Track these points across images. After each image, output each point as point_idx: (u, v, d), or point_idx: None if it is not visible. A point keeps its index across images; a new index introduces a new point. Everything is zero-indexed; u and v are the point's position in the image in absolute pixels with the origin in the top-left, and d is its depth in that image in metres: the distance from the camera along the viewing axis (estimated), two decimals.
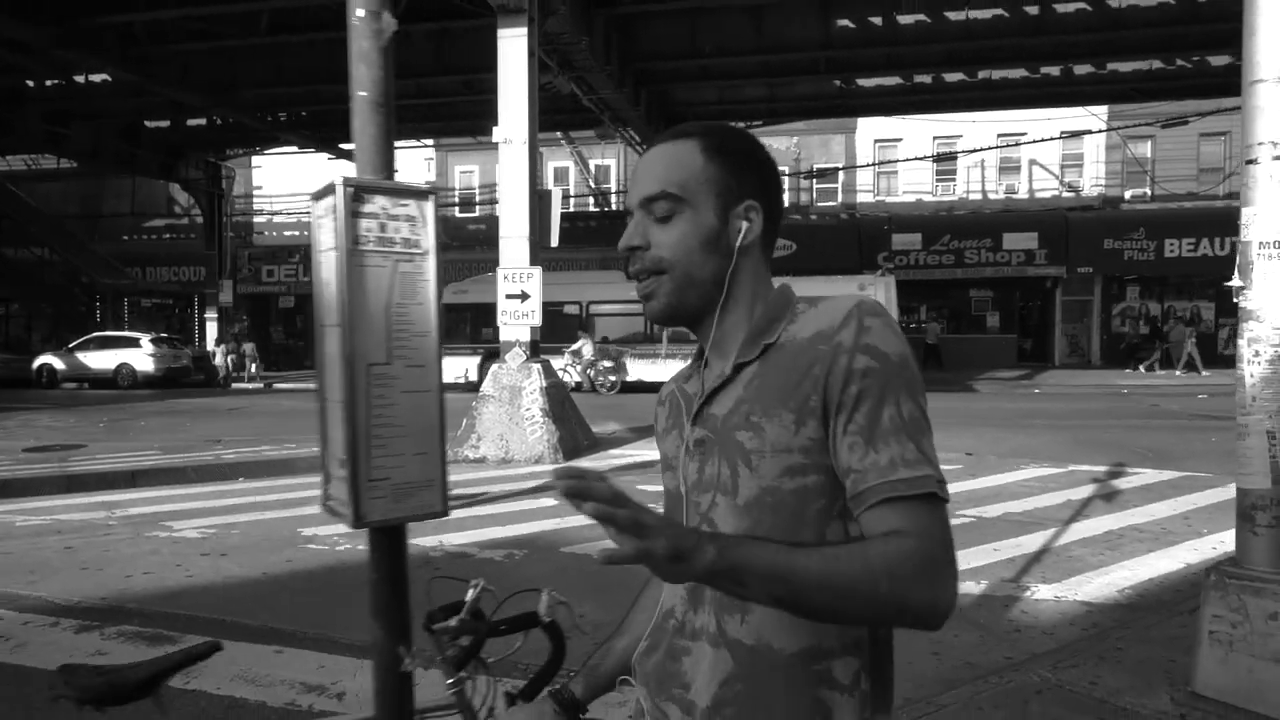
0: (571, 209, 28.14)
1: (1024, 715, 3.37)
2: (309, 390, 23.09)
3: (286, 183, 30.28)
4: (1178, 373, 22.51)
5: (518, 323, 10.47)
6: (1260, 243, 3.27)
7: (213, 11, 15.56)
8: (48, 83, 20.33)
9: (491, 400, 10.71)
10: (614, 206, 29.50)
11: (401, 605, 1.53)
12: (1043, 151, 26.40)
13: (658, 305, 1.12)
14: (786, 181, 26.75)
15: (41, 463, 10.38)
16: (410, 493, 1.47)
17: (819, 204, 28.46)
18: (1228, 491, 7.92)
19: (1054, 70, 19.25)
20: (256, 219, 31.82)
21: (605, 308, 20.82)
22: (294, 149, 24.84)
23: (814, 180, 28.00)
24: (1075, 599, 5.10)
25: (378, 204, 1.42)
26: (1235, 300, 3.34)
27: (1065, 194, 26.89)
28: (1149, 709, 3.37)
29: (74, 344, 24.49)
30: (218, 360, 24.60)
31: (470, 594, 1.87)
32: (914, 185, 27.66)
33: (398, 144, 17.90)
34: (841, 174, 27.53)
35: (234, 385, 24.40)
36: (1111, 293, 26.61)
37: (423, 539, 6.63)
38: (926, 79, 19.98)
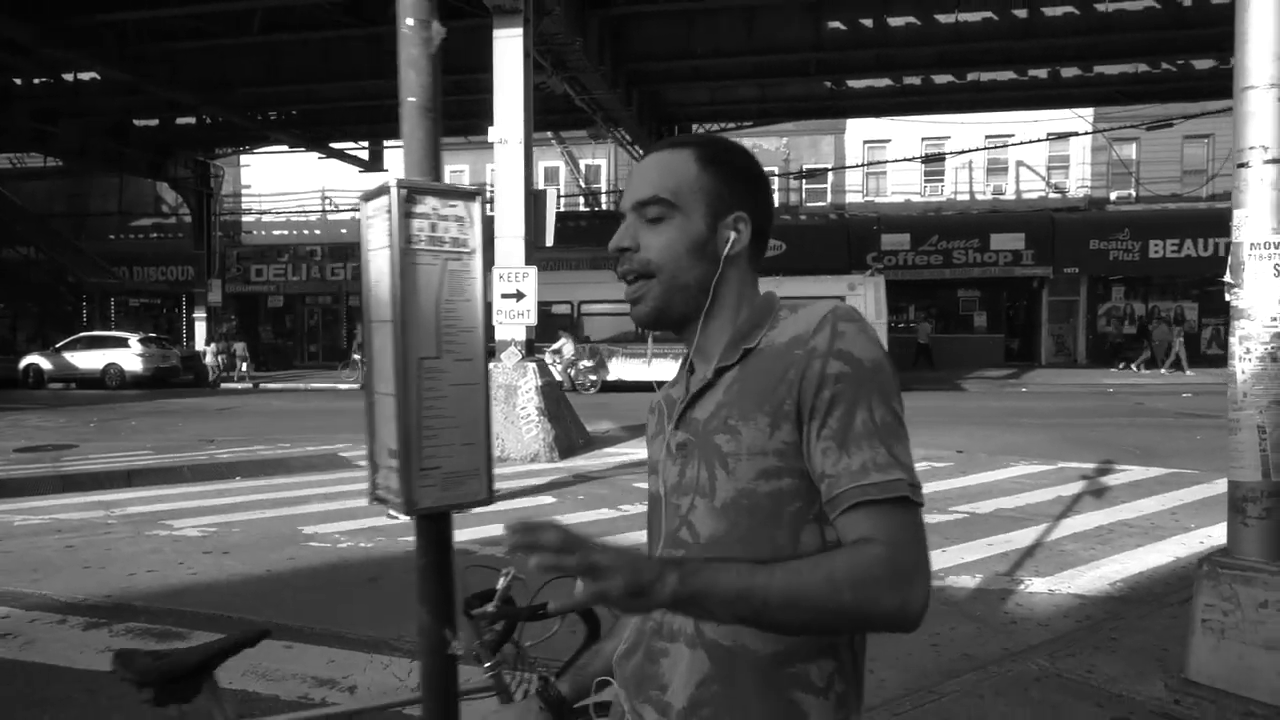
0: (562, 209, 28.17)
1: (1024, 702, 3.47)
2: (299, 390, 23.05)
3: (275, 182, 30.17)
4: (1163, 371, 22.80)
5: (513, 322, 10.51)
6: (1251, 243, 3.38)
7: (207, 10, 15.52)
8: (35, 81, 20.21)
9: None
10: (604, 206, 29.55)
11: (447, 590, 1.59)
12: (1030, 153, 26.66)
13: (644, 309, 1.14)
14: (776, 182, 26.89)
15: (34, 463, 10.35)
16: (459, 481, 1.54)
17: (808, 204, 28.62)
18: (1214, 488, 8.10)
19: (1042, 73, 19.47)
20: (245, 218, 31.68)
21: (596, 307, 20.88)
22: (284, 148, 24.74)
23: (803, 180, 28.15)
24: (1068, 592, 5.21)
25: (429, 205, 1.49)
26: (1227, 299, 3.45)
27: (1052, 195, 27.15)
28: (1144, 695, 3.47)
29: (61, 344, 24.32)
30: (208, 360, 24.49)
31: (502, 582, 1.94)
32: (902, 186, 27.87)
33: (387, 144, 18.00)
34: (831, 174, 27.70)
35: (224, 385, 24.29)
36: (1097, 293, 26.89)
37: None
38: (916, 80, 20.16)
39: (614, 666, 1.21)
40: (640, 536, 1.28)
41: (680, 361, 1.23)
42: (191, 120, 23.64)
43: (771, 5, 16.38)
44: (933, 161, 27.08)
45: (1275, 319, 3.34)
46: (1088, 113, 24.91)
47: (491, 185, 30.90)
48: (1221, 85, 20.12)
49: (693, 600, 0.92)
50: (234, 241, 30.97)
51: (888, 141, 27.68)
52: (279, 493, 8.35)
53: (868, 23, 16.48)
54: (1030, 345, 27.31)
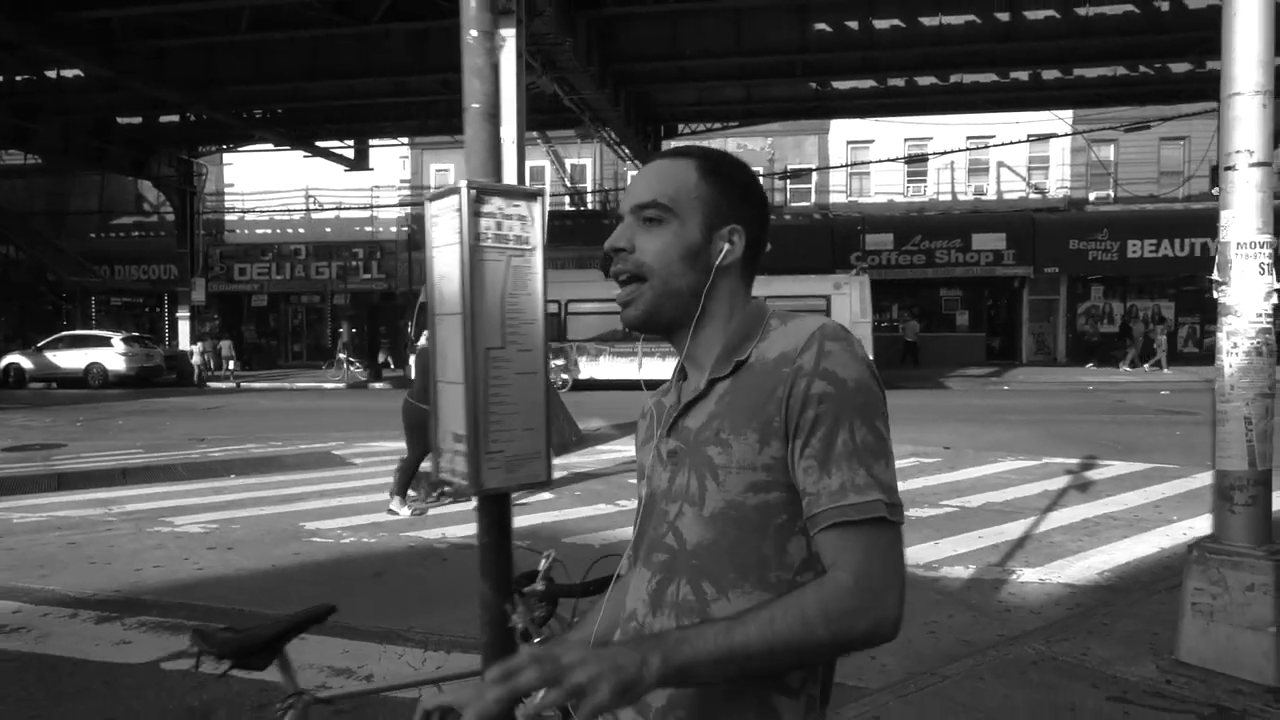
0: (548, 208, 28.20)
1: (1023, 684, 3.61)
2: (284, 390, 22.95)
3: (259, 180, 29.99)
4: (1146, 368, 23.21)
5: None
6: (1238, 243, 3.53)
7: (194, 8, 15.44)
8: (18, 78, 19.98)
9: None
10: (590, 206, 29.63)
11: (506, 566, 1.70)
12: (1010, 154, 27.00)
13: (635, 313, 1.15)
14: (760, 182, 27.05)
15: (25, 462, 10.32)
16: (521, 464, 1.64)
17: (793, 204, 28.83)
18: (1194, 481, 8.33)
19: (1023, 75, 19.73)
20: (228, 217, 31.47)
21: (583, 306, 20.94)
22: (269, 146, 24.60)
23: (788, 181, 28.35)
24: (1058, 581, 5.37)
25: (495, 204, 1.59)
26: (1215, 296, 3.61)
27: (1032, 196, 27.51)
28: (1137, 676, 3.62)
29: (42, 343, 24.08)
30: (195, 359, 24.33)
31: (543, 564, 2.05)
32: (886, 186, 28.13)
33: (373, 142, 17.92)
34: (815, 175, 27.91)
35: (211, 385, 24.14)
36: (1076, 292, 27.28)
37: (426, 531, 6.76)
38: (900, 82, 20.38)
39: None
40: None
41: (676, 369, 1.24)
42: (175, 118, 23.44)
43: (758, 7, 16.52)
44: (915, 162, 27.36)
45: (1261, 315, 3.50)
46: (1067, 115, 25.26)
47: None
48: (1198, 88, 20.58)
49: (679, 674, 0.94)
50: (217, 240, 30.76)
51: (871, 142, 27.93)
52: (276, 490, 8.39)
53: (853, 25, 16.65)
54: (1011, 344, 27.66)
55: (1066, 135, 25.20)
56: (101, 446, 11.73)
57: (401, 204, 29.87)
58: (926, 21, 16.42)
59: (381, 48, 17.11)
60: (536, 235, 1.64)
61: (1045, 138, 24.63)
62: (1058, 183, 27.42)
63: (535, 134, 27.48)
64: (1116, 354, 24.33)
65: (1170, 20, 16.07)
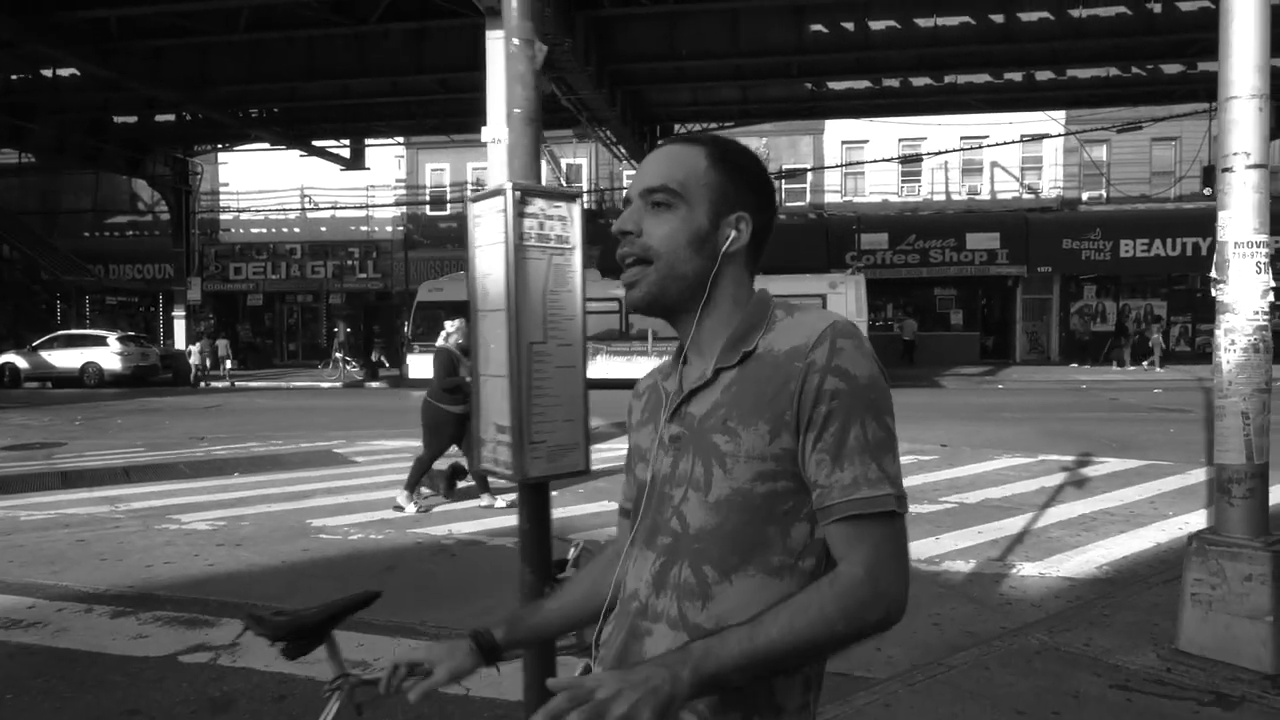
0: None
1: (1028, 673, 3.70)
2: (281, 389, 22.96)
3: (253, 180, 29.96)
4: (1145, 366, 23.41)
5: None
6: (1235, 242, 3.63)
7: (193, 8, 15.46)
8: (13, 76, 19.94)
9: None
10: (586, 205, 29.67)
11: (546, 552, 1.77)
12: (1004, 154, 27.17)
13: (639, 294, 1.17)
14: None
15: (26, 460, 10.34)
16: (562, 453, 1.72)
17: (788, 204, 28.94)
18: (1189, 478, 8.44)
19: (1016, 76, 19.89)
20: (223, 216, 31.44)
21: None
22: (265, 145, 24.60)
23: (783, 180, 28.45)
24: (1058, 575, 5.47)
25: (537, 205, 1.66)
26: (1213, 294, 3.70)
27: (1025, 195, 27.69)
28: (1138, 664, 3.72)
29: (38, 342, 24.04)
30: (194, 359, 24.31)
31: (572, 552, 2.13)
32: (880, 186, 28.27)
33: (369, 142, 17.97)
34: (810, 175, 28.03)
35: (211, 384, 24.11)
36: (1070, 291, 27.48)
37: (433, 528, 6.83)
38: (895, 83, 20.50)
39: (599, 642, 1.25)
40: None
41: (675, 353, 1.25)
42: (171, 117, 23.43)
43: (755, 8, 16.61)
44: (910, 162, 27.50)
45: (1258, 312, 3.59)
46: (1060, 115, 25.44)
47: (475, 184, 30.94)
48: (1189, 89, 20.77)
49: (711, 683, 0.98)
50: (212, 239, 30.73)
51: (865, 142, 28.07)
52: (281, 488, 8.43)
53: (849, 26, 16.76)
54: (1005, 342, 27.84)
55: (1059, 136, 25.38)
56: (102, 445, 11.75)
57: (397, 204, 29.87)
58: (921, 23, 16.54)
59: (379, 48, 17.14)
60: (576, 235, 1.71)
61: (1038, 138, 24.81)
62: (1051, 183, 27.61)
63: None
64: (1115, 353, 24.46)
65: (1162, 22, 16.23)
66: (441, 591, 5.29)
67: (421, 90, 19.66)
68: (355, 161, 25.40)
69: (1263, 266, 3.63)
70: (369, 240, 30.56)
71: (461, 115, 21.24)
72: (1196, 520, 6.62)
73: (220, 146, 27.22)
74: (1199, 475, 8.51)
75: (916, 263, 26.50)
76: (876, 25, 16.63)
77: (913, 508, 7.20)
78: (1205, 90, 20.21)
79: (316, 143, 23.89)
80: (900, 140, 27.51)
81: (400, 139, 28.01)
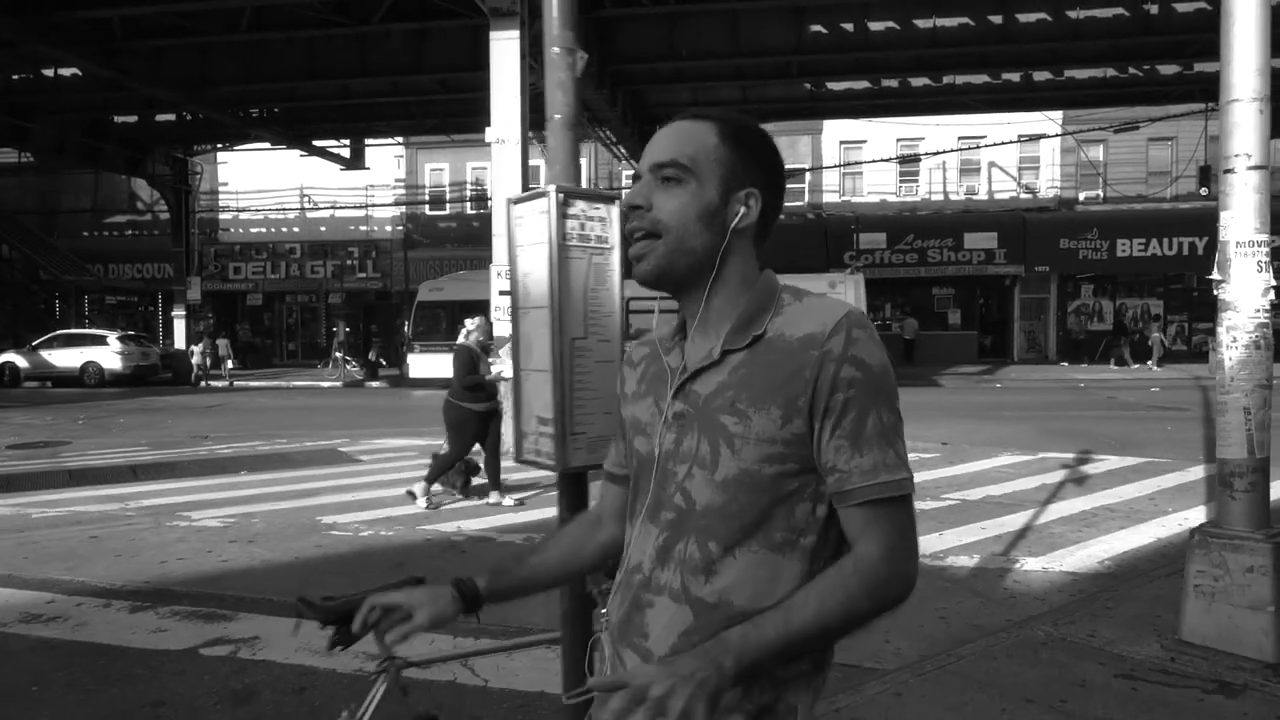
0: None
1: (1035, 663, 3.78)
2: (282, 388, 23.00)
3: (253, 179, 29.99)
4: (1149, 366, 23.55)
5: (511, 319, 10.71)
6: (1237, 242, 3.71)
7: (195, 8, 15.50)
8: (14, 76, 19.96)
9: None
10: None
11: None
12: (1001, 154, 27.29)
13: (647, 267, 1.17)
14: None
15: (31, 459, 10.39)
16: (601, 444, 1.79)
17: (786, 204, 28.77)
18: (1187, 475, 8.54)
19: (1014, 76, 19.99)
20: (222, 216, 31.46)
21: None
22: (265, 145, 24.63)
23: None
24: (1060, 569, 5.56)
25: (579, 207, 1.74)
26: (1215, 292, 3.78)
27: (1023, 195, 27.81)
28: (1143, 654, 3.80)
29: (38, 341, 24.05)
30: (196, 359, 24.34)
31: None
32: (878, 186, 28.38)
33: (369, 142, 18.05)
34: (808, 175, 28.13)
35: (211, 383, 24.13)
36: (1067, 291, 27.62)
37: (442, 525, 6.90)
38: (893, 83, 20.60)
39: (605, 613, 1.28)
40: None
41: (674, 326, 1.26)
42: (171, 117, 23.46)
43: (755, 9, 16.69)
44: (908, 162, 27.61)
45: (1259, 310, 3.68)
46: (1057, 115, 25.58)
47: (473, 183, 30.96)
48: (1186, 90, 20.90)
49: (753, 668, 1.02)
50: (211, 239, 30.75)
51: (864, 142, 28.17)
52: (289, 485, 8.50)
53: (849, 27, 16.86)
54: (1003, 342, 27.96)
55: (1057, 136, 25.51)
56: (106, 444, 11.80)
57: (396, 204, 29.91)
58: (920, 24, 16.64)
59: (380, 48, 17.20)
60: (614, 235, 1.78)
61: (1036, 138, 24.92)
62: (1048, 182, 27.74)
63: (531, 134, 27.57)
64: (1114, 352, 24.54)
65: (1159, 23, 16.34)
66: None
67: (422, 90, 19.72)
68: (355, 161, 25.45)
69: (1263, 265, 3.72)
70: (368, 240, 30.60)
71: (462, 115, 21.30)
72: (1196, 516, 6.72)
73: (220, 146, 27.26)
74: (1197, 472, 8.61)
75: (914, 262, 26.62)
76: (876, 26, 16.73)
77: (916, 504, 7.32)
78: (1202, 91, 20.35)
79: (316, 142, 23.94)
80: (898, 140, 27.62)
81: (399, 139, 28.05)
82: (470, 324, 7.62)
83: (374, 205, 29.30)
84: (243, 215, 31.08)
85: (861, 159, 28.09)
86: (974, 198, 28.02)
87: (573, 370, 1.72)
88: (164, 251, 28.11)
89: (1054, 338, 27.49)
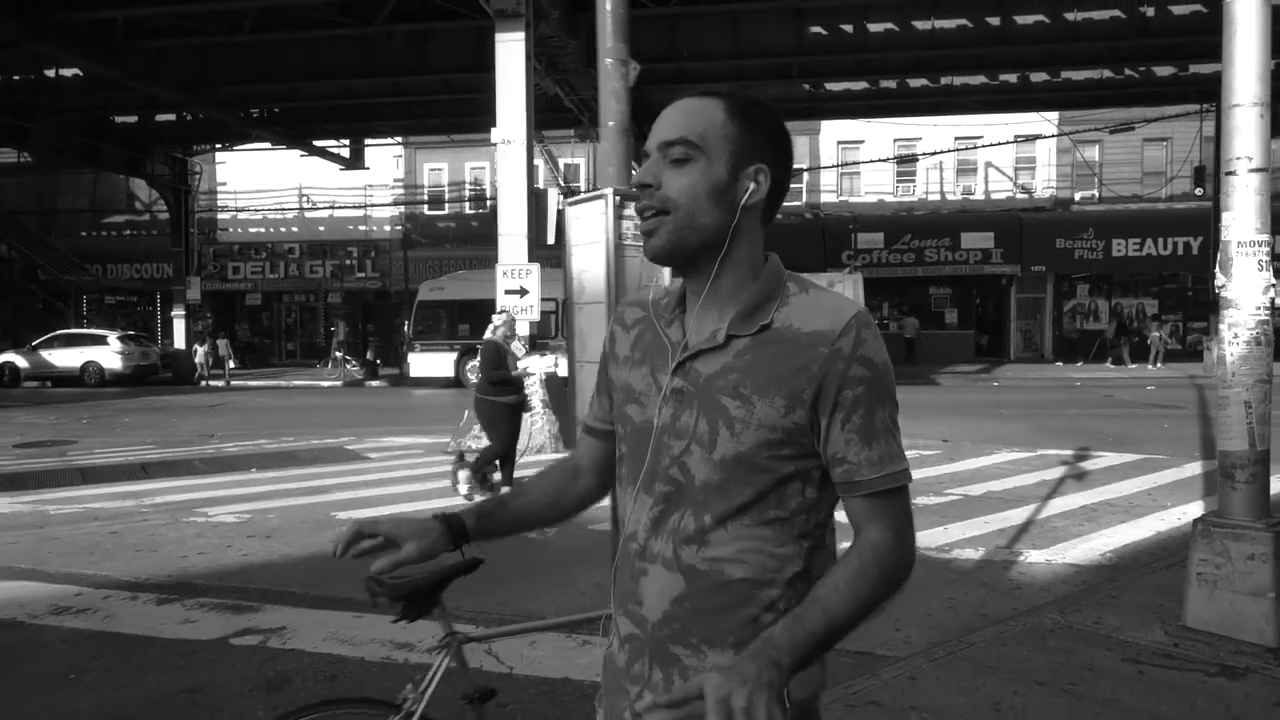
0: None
1: (1043, 649, 3.91)
2: (282, 388, 23.07)
3: (252, 179, 30.03)
4: (1134, 366, 23.72)
5: (517, 317, 10.82)
6: (1239, 242, 3.85)
7: (200, 9, 15.58)
8: (15, 77, 20.00)
9: None
10: None
11: None
12: (998, 155, 27.50)
13: (658, 242, 1.18)
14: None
15: (40, 458, 10.46)
16: None
17: (784, 203, 29.12)
18: (1184, 471, 8.69)
19: (1012, 78, 20.18)
20: (221, 216, 31.50)
21: None
22: (266, 145, 24.70)
23: None
24: (1064, 562, 5.69)
25: (633, 209, 1.85)
26: (1218, 290, 3.92)
27: (1019, 195, 28.02)
28: (1147, 640, 3.93)
29: (38, 341, 24.07)
30: (198, 358, 24.40)
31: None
32: (876, 186, 28.55)
33: (369, 142, 18.18)
34: (806, 175, 28.28)
35: (212, 383, 24.19)
36: (1063, 290, 27.83)
37: None
38: (892, 84, 20.77)
39: (612, 581, 1.31)
40: None
41: (674, 297, 1.28)
42: (171, 117, 23.52)
43: (756, 10, 16.84)
44: (905, 162, 27.80)
45: (1259, 308, 3.81)
46: (1054, 116, 25.77)
47: (472, 183, 31.02)
48: (1181, 91, 21.11)
49: (802, 665, 1.08)
50: (210, 239, 30.79)
51: (861, 143, 28.34)
52: (301, 482, 8.60)
53: (848, 28, 17.01)
54: (999, 341, 28.16)
55: (1053, 136, 25.72)
56: (113, 443, 11.88)
57: (395, 203, 29.98)
58: (919, 25, 16.81)
59: (384, 49, 17.29)
60: None
61: (1032, 139, 25.13)
62: (1044, 183, 27.94)
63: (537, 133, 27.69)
64: (1115, 351, 24.70)
65: (1155, 25, 16.53)
66: (472, 578, 5.46)
67: (423, 90, 19.82)
68: (355, 161, 25.53)
69: (1264, 264, 3.85)
70: (367, 240, 30.67)
71: (463, 115, 21.41)
72: (1194, 510, 6.85)
73: (220, 146, 27.34)
74: (1195, 469, 8.76)
75: (912, 262, 26.81)
76: (875, 27, 16.89)
77: (919, 500, 7.48)
78: (1197, 92, 20.56)
79: (317, 142, 24.03)
80: (895, 140, 27.79)
81: (399, 139, 28.13)
82: (498, 319, 7.75)
83: (373, 205, 29.38)
84: (241, 215, 31.13)
85: (859, 159, 28.26)
86: (971, 198, 28.21)
87: None
88: (163, 251, 28.15)
89: (1050, 337, 27.69)
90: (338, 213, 30.08)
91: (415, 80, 18.64)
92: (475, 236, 29.15)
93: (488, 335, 7.73)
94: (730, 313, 1.19)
